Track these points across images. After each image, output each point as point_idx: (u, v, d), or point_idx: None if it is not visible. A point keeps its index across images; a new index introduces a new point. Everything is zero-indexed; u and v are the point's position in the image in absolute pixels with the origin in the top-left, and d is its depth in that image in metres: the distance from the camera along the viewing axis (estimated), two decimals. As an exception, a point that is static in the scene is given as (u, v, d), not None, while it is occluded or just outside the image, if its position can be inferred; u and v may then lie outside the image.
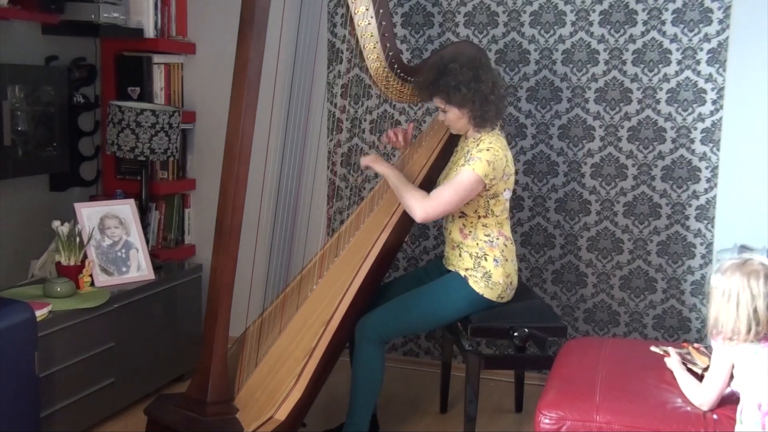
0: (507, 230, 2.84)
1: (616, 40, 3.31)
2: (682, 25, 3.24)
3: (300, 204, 3.50)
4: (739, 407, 2.08)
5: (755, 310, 2.06)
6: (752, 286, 2.07)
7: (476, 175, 2.66)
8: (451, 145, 2.99)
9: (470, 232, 2.79)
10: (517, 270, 2.86)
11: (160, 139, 3.26)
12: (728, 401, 2.13)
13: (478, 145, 2.75)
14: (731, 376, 2.12)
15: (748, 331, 2.06)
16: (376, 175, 3.52)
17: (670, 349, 2.38)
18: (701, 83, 3.24)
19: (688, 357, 2.34)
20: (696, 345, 2.43)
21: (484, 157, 2.67)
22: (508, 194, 2.79)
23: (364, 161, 2.88)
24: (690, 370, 2.27)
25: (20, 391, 2.46)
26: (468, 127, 2.81)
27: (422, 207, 2.69)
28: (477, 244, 2.78)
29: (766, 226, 3.17)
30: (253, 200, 2.82)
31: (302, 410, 2.59)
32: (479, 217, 2.78)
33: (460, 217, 2.81)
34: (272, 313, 2.90)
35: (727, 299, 2.09)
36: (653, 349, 2.46)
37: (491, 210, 2.77)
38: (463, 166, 2.70)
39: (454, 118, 2.78)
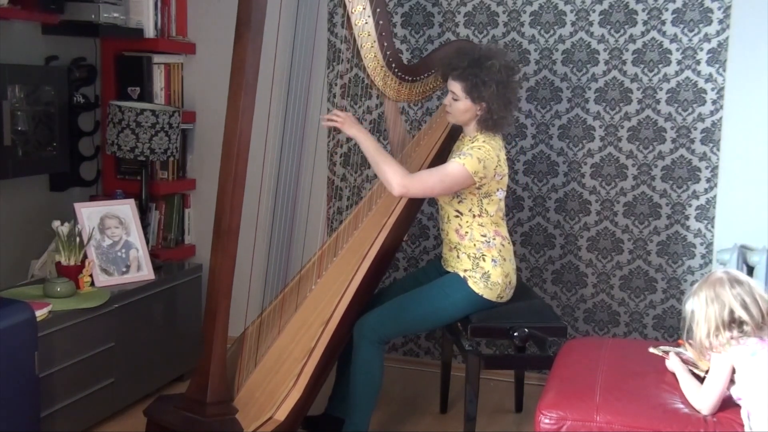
0: (503, 230, 2.84)
1: (616, 40, 3.31)
2: (682, 25, 3.23)
3: (299, 204, 3.51)
4: (744, 411, 2.07)
5: (731, 313, 2.11)
6: (720, 293, 2.13)
7: (465, 169, 2.66)
8: (449, 145, 2.99)
9: (467, 232, 2.79)
10: (515, 269, 2.86)
11: (160, 139, 3.26)
12: (729, 403, 2.13)
13: (472, 142, 2.75)
14: (732, 381, 2.12)
15: (732, 333, 2.10)
16: (376, 175, 3.52)
17: (670, 350, 2.38)
18: (701, 83, 3.23)
19: (690, 359, 2.33)
20: (691, 341, 2.43)
21: (475, 155, 2.67)
22: (501, 194, 2.79)
23: (333, 123, 2.74)
24: (691, 372, 2.27)
25: (20, 391, 2.46)
26: (470, 122, 2.80)
27: (402, 183, 2.65)
28: (474, 244, 2.78)
29: (766, 226, 3.17)
30: (252, 200, 2.82)
31: (302, 410, 2.59)
32: (474, 216, 2.78)
33: (456, 216, 2.80)
34: (271, 313, 2.90)
35: (702, 316, 2.15)
36: (652, 350, 2.45)
37: (485, 209, 2.77)
38: (453, 159, 2.71)
39: (463, 108, 2.76)
